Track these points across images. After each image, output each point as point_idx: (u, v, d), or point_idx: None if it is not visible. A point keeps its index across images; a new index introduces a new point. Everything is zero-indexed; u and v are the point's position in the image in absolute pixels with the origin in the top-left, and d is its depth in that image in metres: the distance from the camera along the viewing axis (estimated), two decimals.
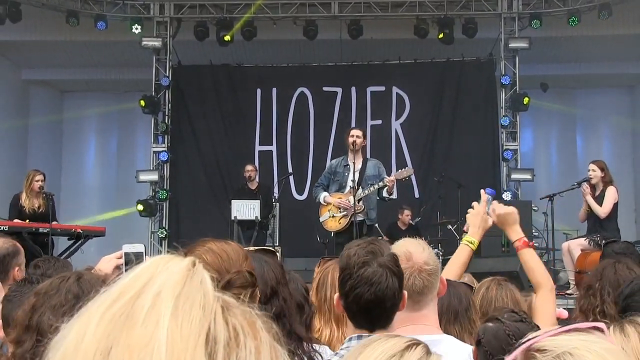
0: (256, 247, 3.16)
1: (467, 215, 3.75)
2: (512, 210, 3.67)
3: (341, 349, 2.45)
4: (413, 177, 12.78)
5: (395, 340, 1.56)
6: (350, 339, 2.50)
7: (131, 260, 2.51)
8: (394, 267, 2.51)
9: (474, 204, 3.76)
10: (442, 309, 3.22)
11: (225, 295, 0.96)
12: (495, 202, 3.74)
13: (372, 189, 9.39)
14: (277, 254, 3.18)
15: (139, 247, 2.50)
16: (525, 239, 3.58)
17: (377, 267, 2.47)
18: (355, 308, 2.49)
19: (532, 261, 3.56)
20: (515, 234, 3.61)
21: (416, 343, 1.59)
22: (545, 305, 3.45)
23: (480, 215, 3.70)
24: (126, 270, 2.46)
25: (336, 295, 2.58)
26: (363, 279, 2.46)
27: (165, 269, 0.94)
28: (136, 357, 0.84)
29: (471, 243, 3.68)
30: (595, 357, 1.27)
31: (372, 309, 2.46)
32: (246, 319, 0.94)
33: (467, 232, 3.75)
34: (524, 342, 1.33)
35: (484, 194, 3.77)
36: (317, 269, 4.26)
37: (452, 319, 3.30)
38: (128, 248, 2.53)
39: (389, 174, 10.37)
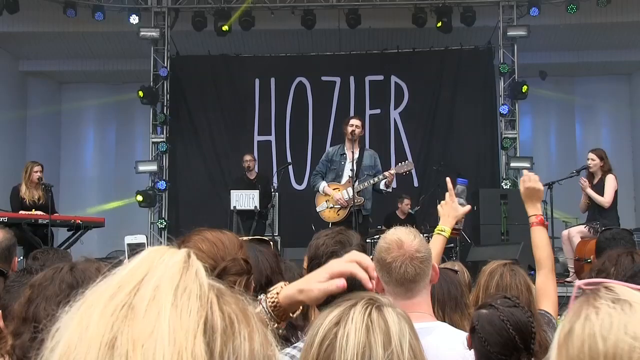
0: (250, 237, 3.17)
1: (438, 207, 3.84)
2: (540, 187, 3.77)
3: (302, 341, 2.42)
4: None
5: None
6: None
7: (133, 251, 2.53)
8: None
9: (446, 194, 3.83)
10: (444, 297, 3.22)
11: (218, 282, 0.98)
12: (531, 173, 3.83)
13: (371, 181, 9.34)
14: (271, 243, 3.18)
15: (140, 239, 2.52)
16: (542, 217, 3.70)
17: None
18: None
19: (540, 239, 3.68)
20: (534, 209, 3.73)
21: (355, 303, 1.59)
22: (546, 283, 3.57)
23: (449, 204, 3.78)
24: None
25: None
26: None
27: (162, 261, 0.96)
28: (141, 347, 0.87)
29: (443, 231, 3.76)
30: None
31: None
32: (239, 306, 0.96)
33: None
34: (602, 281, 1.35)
35: (449, 182, 3.83)
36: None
37: (454, 306, 3.30)
38: (130, 239, 2.54)
39: (386, 164, 10.31)
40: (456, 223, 3.80)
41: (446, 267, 3.76)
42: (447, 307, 3.22)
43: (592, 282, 1.37)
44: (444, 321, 3.03)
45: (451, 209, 3.77)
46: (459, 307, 3.35)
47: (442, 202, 3.81)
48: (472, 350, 2.57)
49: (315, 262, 2.50)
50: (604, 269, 3.25)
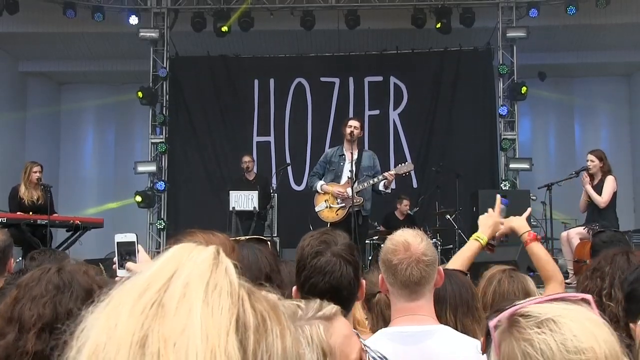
0: (247, 237, 3.17)
1: (480, 217, 3.95)
2: (511, 219, 3.90)
3: None
4: None
5: None
6: None
7: (123, 249, 2.52)
8: (349, 256, 2.50)
9: (490, 209, 3.98)
10: (456, 301, 3.21)
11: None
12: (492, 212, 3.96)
13: (371, 182, 9.30)
14: (269, 243, 3.19)
15: (130, 237, 2.50)
16: (533, 232, 3.73)
17: (330, 256, 2.47)
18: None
19: (541, 255, 3.70)
20: (522, 228, 3.78)
21: None
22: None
23: (493, 218, 3.91)
24: (119, 259, 2.46)
25: (294, 288, 2.58)
26: (317, 269, 2.46)
27: (190, 259, 0.95)
28: (172, 345, 0.86)
29: (480, 238, 3.83)
30: (578, 326, 1.29)
31: (328, 299, 2.43)
32: (270, 304, 0.96)
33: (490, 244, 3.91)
34: (508, 308, 1.35)
35: (499, 199, 3.99)
36: None
37: (466, 310, 3.29)
38: (120, 238, 2.53)
39: (385, 165, 10.27)
40: (493, 239, 3.84)
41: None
42: (458, 312, 3.20)
43: (500, 318, 1.37)
44: (456, 326, 3.02)
45: (494, 223, 3.89)
46: (470, 311, 3.33)
47: (486, 213, 3.94)
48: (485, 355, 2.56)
49: (302, 264, 2.50)
50: (599, 267, 3.26)
